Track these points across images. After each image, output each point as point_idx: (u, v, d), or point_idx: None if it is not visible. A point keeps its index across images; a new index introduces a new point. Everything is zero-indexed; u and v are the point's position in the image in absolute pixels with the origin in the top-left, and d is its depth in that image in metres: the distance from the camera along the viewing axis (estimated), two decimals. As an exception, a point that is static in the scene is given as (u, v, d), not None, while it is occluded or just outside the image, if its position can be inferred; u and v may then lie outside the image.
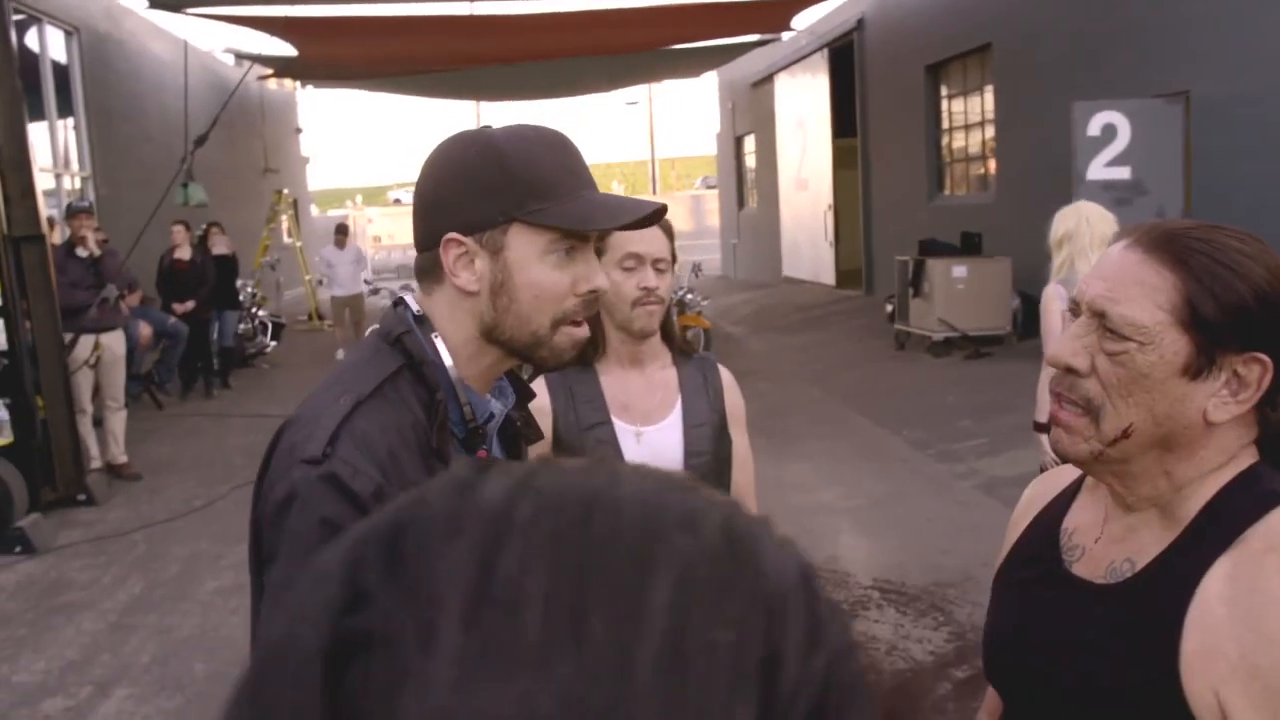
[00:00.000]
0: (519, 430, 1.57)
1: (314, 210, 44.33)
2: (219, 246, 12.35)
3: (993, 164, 13.66)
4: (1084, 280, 1.21)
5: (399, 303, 1.44)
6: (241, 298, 13.20)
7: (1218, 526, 1.12)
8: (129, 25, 15.70)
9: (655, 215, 1.41)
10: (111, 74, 15.08)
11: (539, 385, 2.44)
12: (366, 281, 14.59)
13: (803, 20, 17.47)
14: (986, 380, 10.11)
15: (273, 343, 14.17)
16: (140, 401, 10.35)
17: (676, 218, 35.38)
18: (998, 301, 11.96)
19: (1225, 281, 1.10)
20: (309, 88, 25.68)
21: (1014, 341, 12.09)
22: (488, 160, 1.34)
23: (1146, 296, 1.12)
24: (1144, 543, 1.19)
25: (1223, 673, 1.03)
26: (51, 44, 13.92)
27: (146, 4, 13.75)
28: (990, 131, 13.65)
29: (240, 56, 20.34)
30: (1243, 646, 1.02)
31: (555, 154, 1.37)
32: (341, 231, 15.16)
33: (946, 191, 15.34)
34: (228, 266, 12.40)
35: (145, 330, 9.67)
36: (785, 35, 19.35)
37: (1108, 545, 1.23)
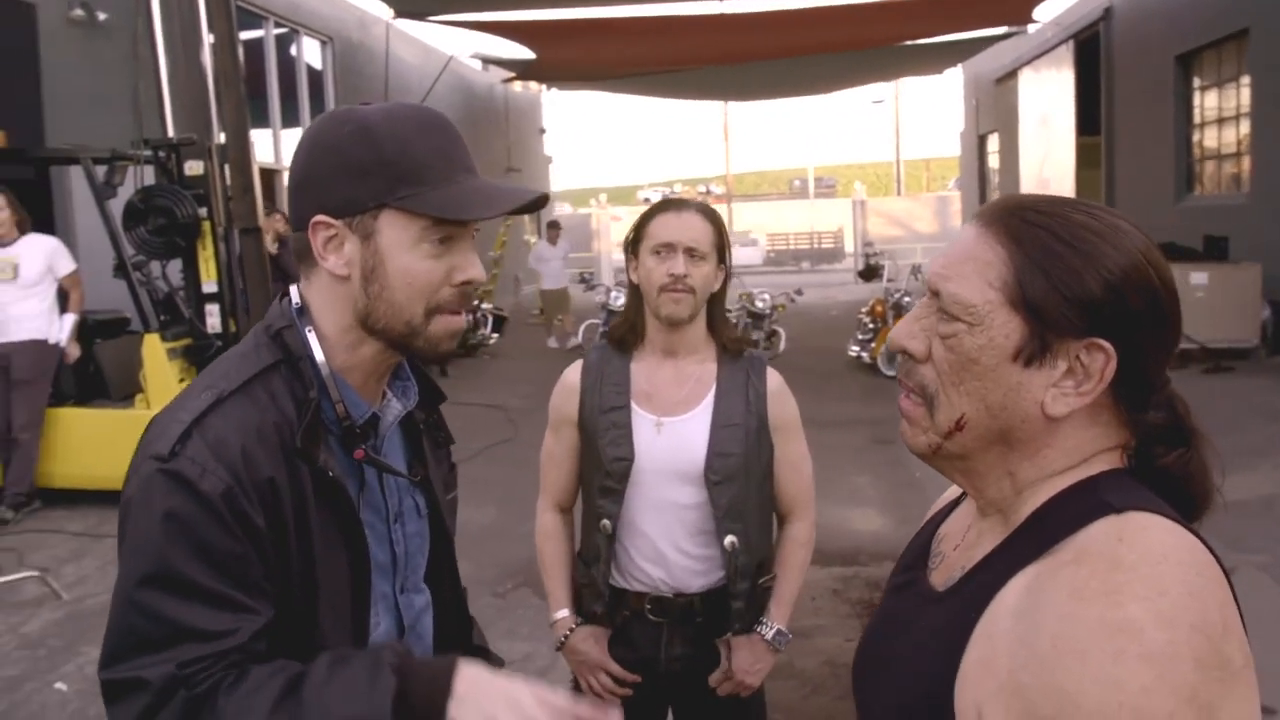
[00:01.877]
0: (423, 431, 1.53)
1: (568, 208, 45.96)
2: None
3: (1247, 161, 12.51)
4: (933, 258, 1.11)
5: (283, 295, 1.40)
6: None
7: (1036, 535, 0.99)
8: (378, 32, 16.75)
9: (534, 204, 1.35)
10: (362, 79, 16.17)
11: (575, 366, 2.43)
12: (584, 279, 15.05)
13: (1046, 11, 16.59)
14: (1220, 396, 9.25)
15: (495, 335, 14.74)
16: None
17: (921, 220, 34.32)
18: (1243, 311, 10.97)
19: (1060, 258, 0.98)
20: (553, 90, 26.63)
21: (1262, 356, 11.05)
22: (359, 141, 1.29)
23: (978, 274, 1.02)
24: (982, 550, 1.07)
25: (990, 688, 0.92)
26: (308, 53, 15.06)
27: (393, 14, 14.63)
28: (1246, 126, 12.50)
29: (486, 61, 21.31)
30: (1014, 661, 0.90)
31: (431, 137, 1.32)
32: (554, 227, 15.92)
33: (1196, 191, 14.17)
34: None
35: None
36: (1030, 28, 18.44)
37: (961, 552, 1.12)
